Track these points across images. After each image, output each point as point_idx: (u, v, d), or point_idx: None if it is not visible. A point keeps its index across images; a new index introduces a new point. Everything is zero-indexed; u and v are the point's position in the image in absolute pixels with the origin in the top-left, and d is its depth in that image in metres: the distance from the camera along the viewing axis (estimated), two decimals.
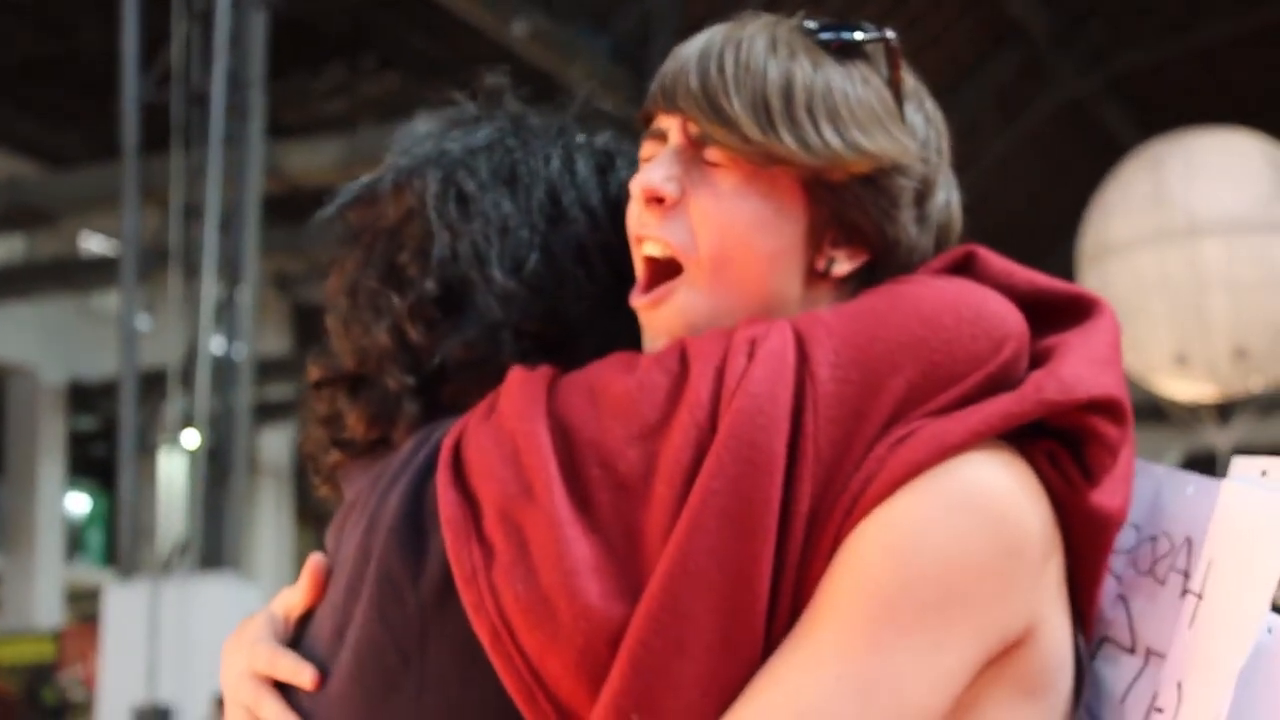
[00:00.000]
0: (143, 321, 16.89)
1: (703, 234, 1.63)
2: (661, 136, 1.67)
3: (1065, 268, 16.72)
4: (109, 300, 21.90)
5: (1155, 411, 18.80)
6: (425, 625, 1.55)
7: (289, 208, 18.79)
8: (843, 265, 1.65)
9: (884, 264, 1.66)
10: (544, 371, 1.62)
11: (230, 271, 14.71)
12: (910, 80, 1.70)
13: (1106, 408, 1.54)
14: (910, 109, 1.68)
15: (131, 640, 13.53)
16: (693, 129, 1.64)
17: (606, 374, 1.58)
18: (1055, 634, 1.54)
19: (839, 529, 1.47)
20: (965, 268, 1.64)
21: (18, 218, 18.83)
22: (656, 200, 1.64)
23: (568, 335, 1.71)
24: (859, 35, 1.65)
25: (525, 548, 1.50)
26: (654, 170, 1.64)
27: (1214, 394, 16.72)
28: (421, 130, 1.85)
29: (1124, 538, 1.69)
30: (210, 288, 14.48)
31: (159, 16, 15.21)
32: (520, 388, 1.60)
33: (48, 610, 22.67)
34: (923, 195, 1.66)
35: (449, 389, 1.70)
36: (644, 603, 1.46)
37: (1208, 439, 18.19)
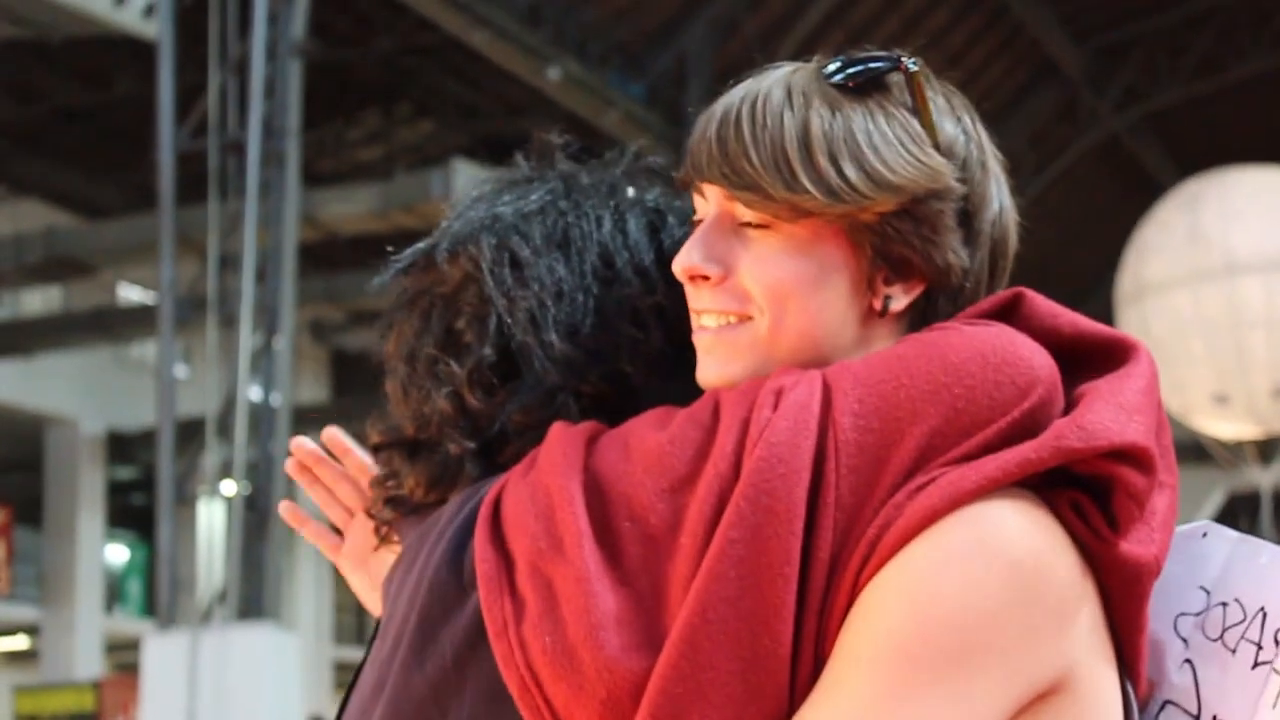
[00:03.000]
0: (180, 371, 16.96)
1: (756, 293, 1.62)
2: (703, 203, 1.66)
3: (1104, 307, 16.69)
4: (147, 350, 22.04)
5: (1197, 451, 18.73)
6: (462, 676, 1.57)
7: (325, 255, 18.90)
8: (900, 301, 1.63)
9: (940, 290, 1.63)
10: (585, 427, 1.63)
11: (267, 320, 14.77)
12: (941, 98, 1.66)
13: (1131, 456, 1.51)
14: (947, 125, 1.64)
15: (171, 690, 13.57)
16: (724, 196, 1.63)
17: (642, 428, 1.59)
18: (1096, 684, 1.52)
19: (857, 576, 1.46)
20: (1011, 310, 1.62)
21: (55, 269, 18.94)
22: (702, 278, 1.64)
23: (626, 397, 1.71)
24: (870, 70, 1.63)
25: (554, 601, 1.51)
26: (693, 251, 1.64)
27: (1255, 432, 16.69)
28: (474, 193, 1.85)
29: (1192, 600, 1.67)
30: (247, 336, 14.54)
31: (194, 67, 15.32)
32: (559, 443, 1.61)
33: (87, 661, 22.75)
34: (968, 214, 1.64)
35: (509, 451, 1.70)
36: (665, 651, 1.46)
37: (1250, 478, 18.14)
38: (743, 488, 1.48)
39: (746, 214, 1.62)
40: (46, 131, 20.98)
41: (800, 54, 1.72)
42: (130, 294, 23.53)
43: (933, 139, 1.62)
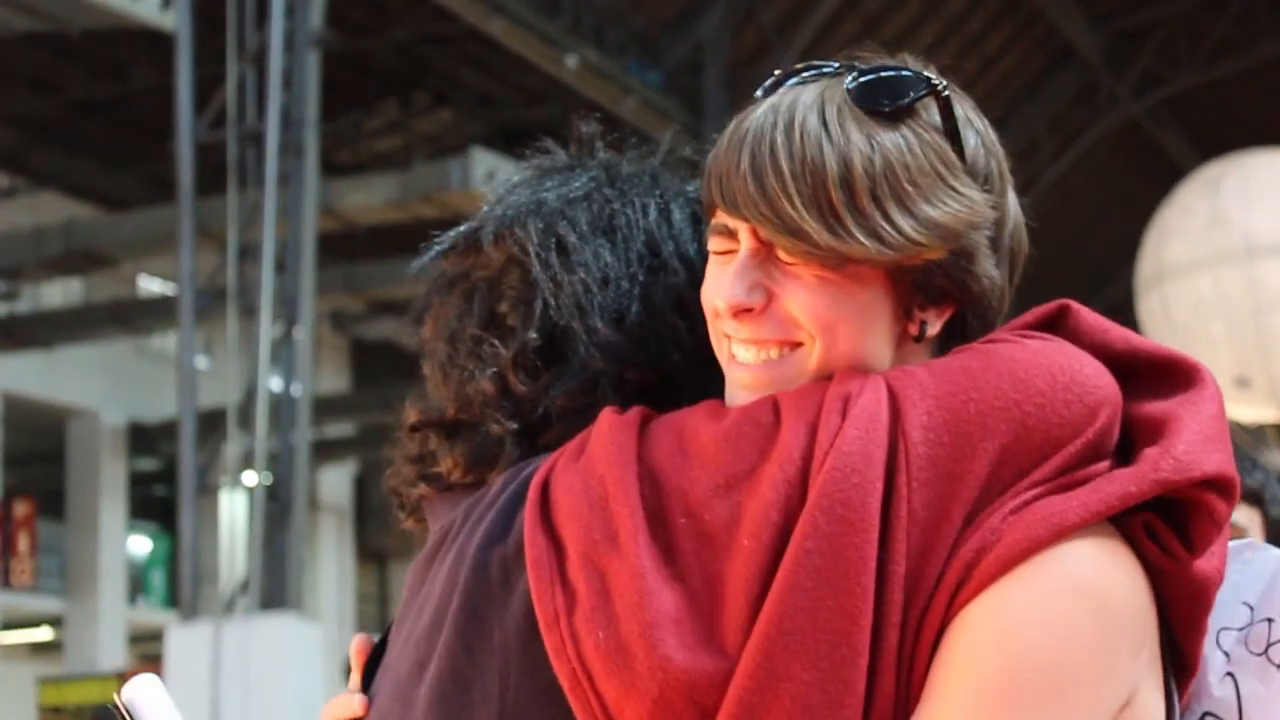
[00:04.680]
0: (201, 362, 16.97)
1: (805, 319, 1.59)
2: (728, 234, 1.62)
3: (1125, 291, 16.66)
4: (167, 341, 22.06)
5: None
6: (508, 663, 1.57)
7: (344, 245, 18.91)
8: (934, 326, 1.63)
9: (971, 310, 1.64)
10: (635, 414, 1.62)
11: (287, 310, 14.79)
12: (960, 109, 1.64)
13: (1218, 485, 1.53)
14: (970, 140, 1.62)
15: (194, 681, 13.58)
16: (761, 233, 1.59)
17: (696, 421, 1.59)
18: (1149, 698, 1.55)
19: (951, 598, 1.48)
20: (1057, 323, 1.63)
21: (75, 261, 18.97)
22: (746, 311, 1.60)
23: (668, 384, 1.72)
24: (903, 92, 1.60)
25: (607, 595, 1.51)
26: (735, 284, 1.60)
27: (1277, 416, 16.63)
28: (515, 179, 1.85)
29: (1236, 615, 1.69)
30: (267, 327, 14.56)
31: (212, 59, 15.32)
32: (611, 431, 1.60)
33: (111, 652, 22.78)
34: (996, 237, 1.63)
35: (551, 434, 1.71)
36: (742, 663, 1.46)
37: (1273, 461, 18.09)
38: (816, 498, 1.47)
39: (784, 253, 1.59)
40: (65, 124, 21.00)
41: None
42: (150, 285, 23.56)
43: (963, 161, 1.60)
